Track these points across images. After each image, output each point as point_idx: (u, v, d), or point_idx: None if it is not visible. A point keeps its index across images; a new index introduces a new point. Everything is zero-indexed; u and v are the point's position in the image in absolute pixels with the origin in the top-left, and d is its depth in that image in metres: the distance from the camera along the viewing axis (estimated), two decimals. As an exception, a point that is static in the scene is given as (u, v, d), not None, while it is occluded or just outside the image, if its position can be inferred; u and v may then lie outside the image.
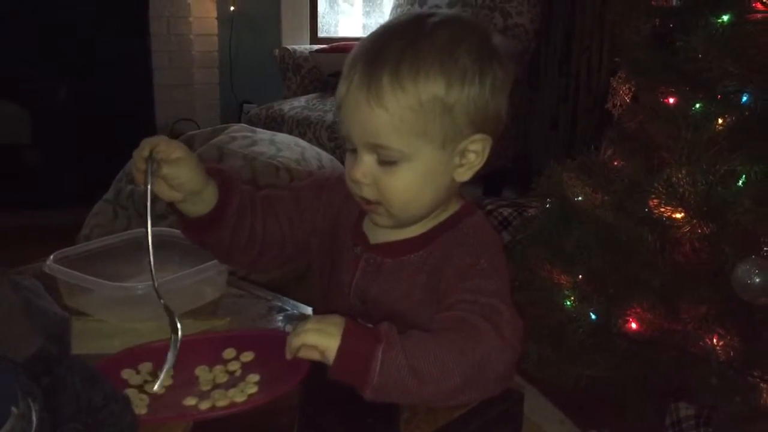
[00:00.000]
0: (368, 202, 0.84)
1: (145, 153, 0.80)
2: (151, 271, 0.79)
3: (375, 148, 0.80)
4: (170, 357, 0.79)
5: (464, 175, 0.84)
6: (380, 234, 0.89)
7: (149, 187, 0.79)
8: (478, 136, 0.82)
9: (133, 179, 2.09)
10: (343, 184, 0.89)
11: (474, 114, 0.80)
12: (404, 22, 0.83)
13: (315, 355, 0.74)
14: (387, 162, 0.80)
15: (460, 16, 0.91)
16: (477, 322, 0.76)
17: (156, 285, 0.79)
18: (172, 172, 0.81)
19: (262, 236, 0.91)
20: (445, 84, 0.78)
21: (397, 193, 0.82)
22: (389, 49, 0.78)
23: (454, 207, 0.89)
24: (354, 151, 0.83)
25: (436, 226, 0.88)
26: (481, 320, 0.76)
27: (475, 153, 0.83)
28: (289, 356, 0.75)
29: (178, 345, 0.79)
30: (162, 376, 0.78)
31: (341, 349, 0.72)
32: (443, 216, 0.88)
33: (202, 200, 0.85)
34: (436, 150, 0.80)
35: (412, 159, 0.80)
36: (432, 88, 0.77)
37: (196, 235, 0.90)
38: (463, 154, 0.82)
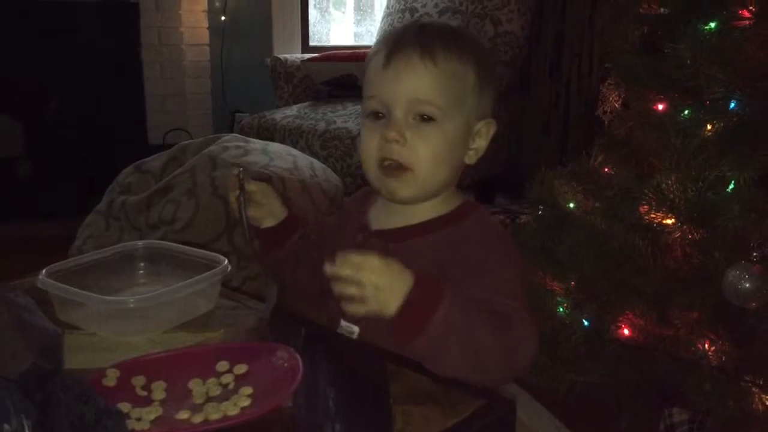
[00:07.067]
0: (393, 168, 0.87)
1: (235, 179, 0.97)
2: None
3: (417, 104, 0.86)
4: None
5: (472, 158, 0.92)
6: (383, 222, 0.94)
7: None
8: (489, 119, 0.92)
9: (125, 190, 2.09)
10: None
11: (490, 98, 0.90)
12: (426, 21, 0.95)
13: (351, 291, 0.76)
14: (423, 119, 0.86)
15: None
16: (507, 311, 0.78)
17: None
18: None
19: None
20: (481, 63, 0.89)
21: (427, 152, 0.87)
22: (432, 26, 0.91)
23: (455, 201, 0.93)
24: (377, 117, 0.89)
25: (440, 217, 0.91)
26: (511, 309, 0.78)
27: (481, 137, 0.91)
28: (330, 271, 0.76)
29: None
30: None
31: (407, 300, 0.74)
32: (445, 208, 0.91)
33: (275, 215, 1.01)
34: (462, 123, 0.89)
35: (446, 121, 0.87)
36: (472, 62, 0.88)
37: (269, 249, 1.02)
38: (473, 138, 0.91)
